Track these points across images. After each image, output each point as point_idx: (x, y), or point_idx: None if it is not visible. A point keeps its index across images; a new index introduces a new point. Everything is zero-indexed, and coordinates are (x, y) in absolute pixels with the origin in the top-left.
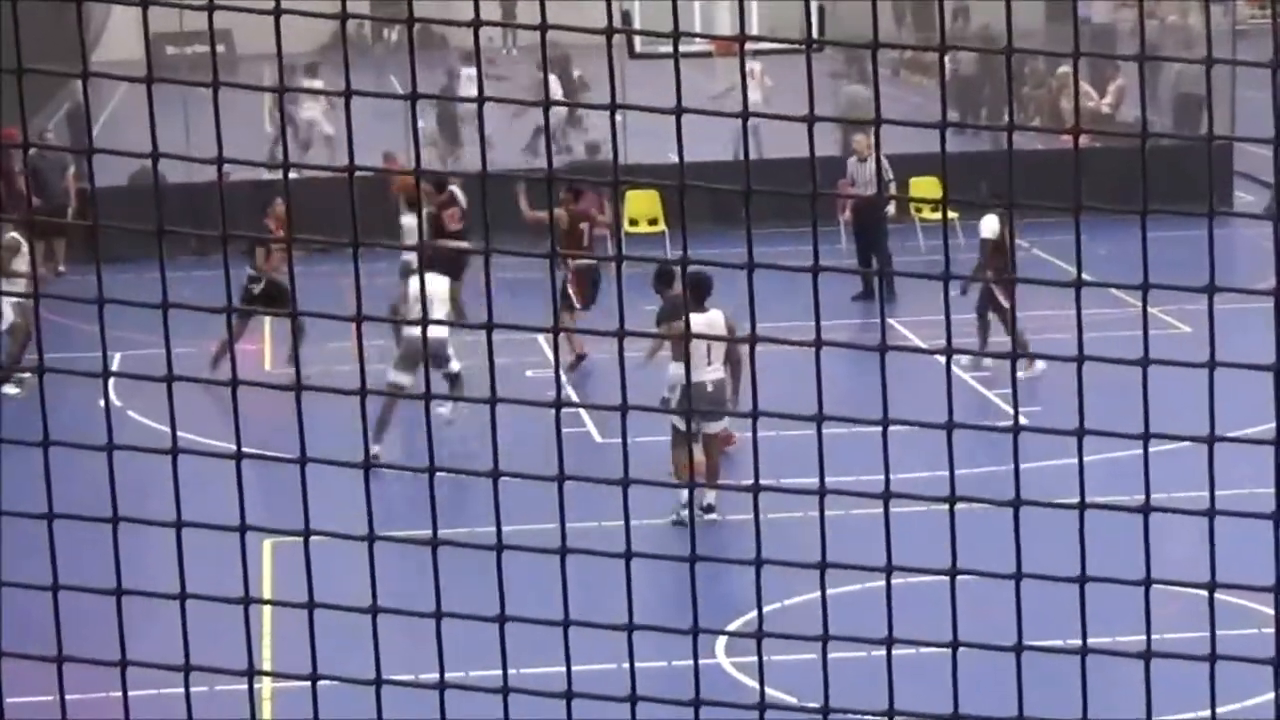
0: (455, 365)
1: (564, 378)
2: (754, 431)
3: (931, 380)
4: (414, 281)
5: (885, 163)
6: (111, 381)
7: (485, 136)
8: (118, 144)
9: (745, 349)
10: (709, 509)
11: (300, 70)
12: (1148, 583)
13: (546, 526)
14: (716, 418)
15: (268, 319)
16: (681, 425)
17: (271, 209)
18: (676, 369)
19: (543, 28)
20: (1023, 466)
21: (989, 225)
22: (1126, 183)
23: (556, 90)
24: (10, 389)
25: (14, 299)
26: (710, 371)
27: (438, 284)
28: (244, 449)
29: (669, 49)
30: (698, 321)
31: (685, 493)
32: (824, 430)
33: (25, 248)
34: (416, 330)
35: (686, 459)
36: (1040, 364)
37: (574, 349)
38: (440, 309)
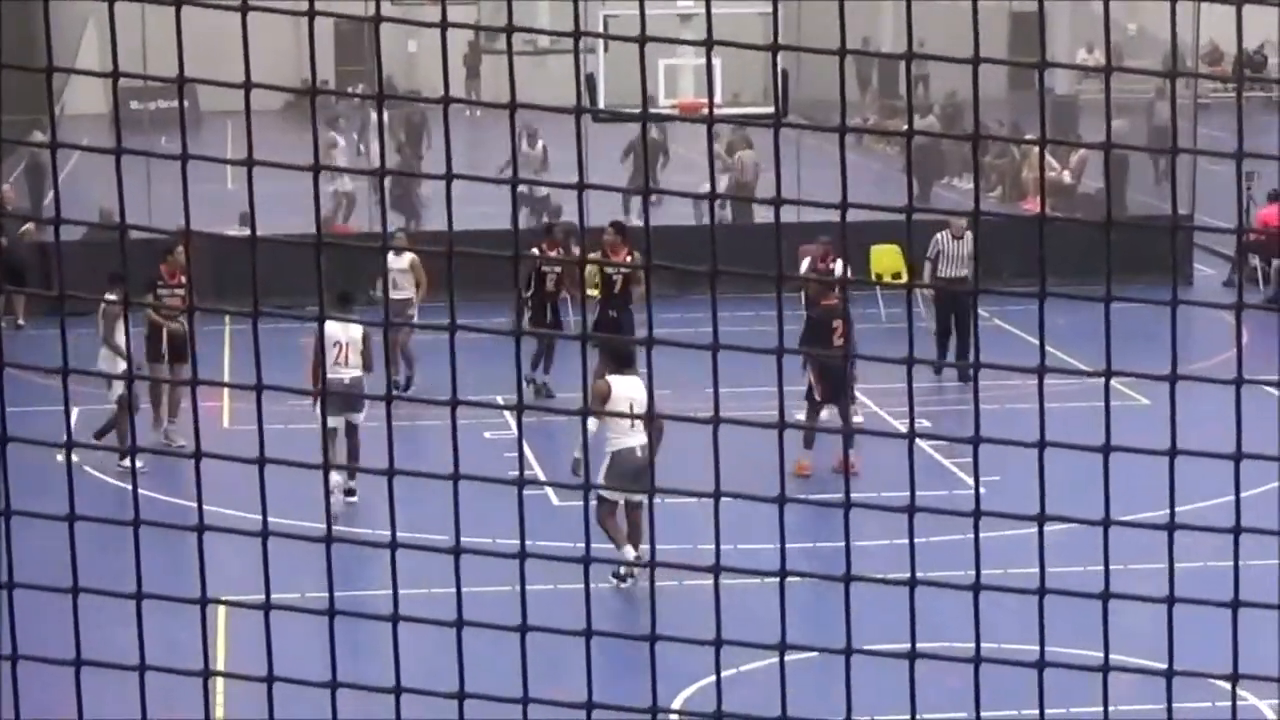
0: (362, 416)
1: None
2: (715, 510)
3: (891, 449)
4: (329, 326)
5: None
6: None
7: (451, 204)
8: (79, 198)
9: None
10: (626, 576)
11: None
12: (1105, 669)
13: (503, 589)
14: (644, 487)
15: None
16: (609, 495)
17: (172, 256)
18: (599, 434)
19: (512, 106)
20: (981, 536)
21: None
22: (1086, 252)
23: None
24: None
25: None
26: (637, 436)
27: (352, 329)
28: (204, 507)
29: (631, 111)
30: (618, 385)
31: (620, 557)
32: (785, 504)
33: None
34: (337, 374)
35: (615, 526)
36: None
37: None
38: (354, 353)
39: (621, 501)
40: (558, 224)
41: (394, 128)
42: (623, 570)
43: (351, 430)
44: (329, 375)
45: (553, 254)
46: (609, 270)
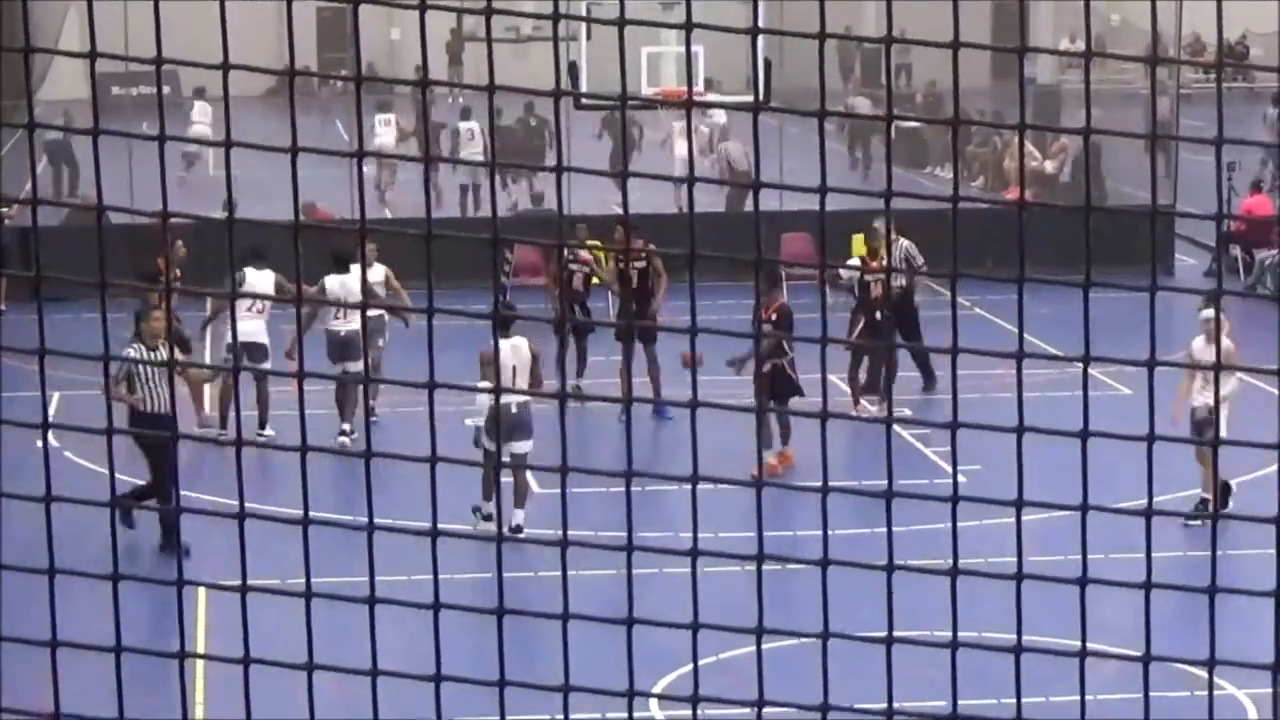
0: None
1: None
2: (693, 494)
3: (871, 438)
4: (328, 282)
5: (911, 247)
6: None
7: (429, 189)
8: (61, 179)
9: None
10: (517, 529)
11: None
12: (1083, 654)
13: (483, 576)
14: (522, 439)
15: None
16: (489, 447)
17: (174, 251)
18: (484, 396)
19: (490, 88)
20: (960, 526)
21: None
22: (1069, 242)
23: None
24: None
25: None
26: (515, 395)
27: (350, 284)
28: (182, 492)
29: (614, 100)
30: (503, 347)
31: (487, 501)
32: (764, 488)
33: None
34: (335, 326)
35: (493, 478)
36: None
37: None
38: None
39: (506, 458)
40: (582, 224)
41: (405, 123)
42: (483, 512)
43: (351, 382)
44: (329, 327)
45: (582, 254)
46: (622, 265)
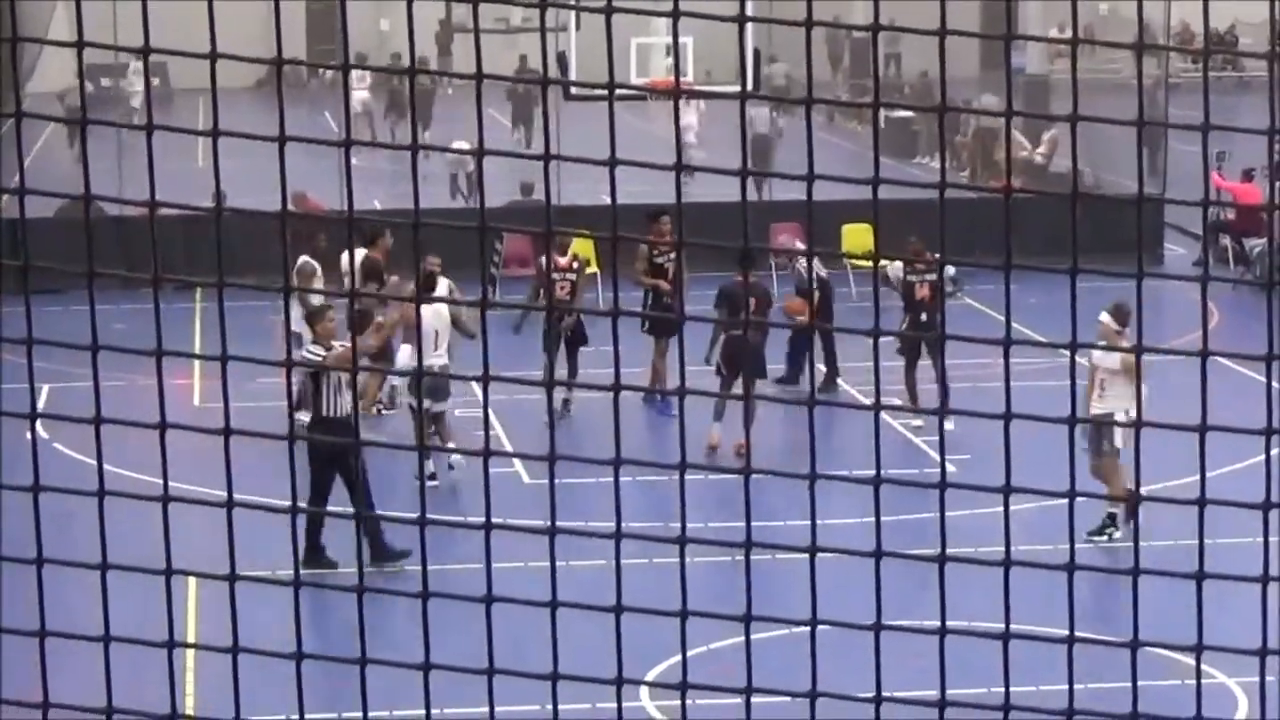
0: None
1: (493, 419)
2: (681, 486)
3: (861, 427)
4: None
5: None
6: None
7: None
8: (50, 174)
9: (476, 332)
10: (433, 477)
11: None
12: (1071, 641)
13: (473, 567)
14: (442, 399)
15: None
16: (412, 403)
17: (381, 241)
18: (406, 354)
19: (478, 76)
20: (949, 514)
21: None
22: (1058, 231)
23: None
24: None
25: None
26: (437, 357)
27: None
28: (170, 484)
29: (604, 92)
30: (425, 312)
31: (428, 461)
32: (754, 476)
33: None
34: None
35: (426, 432)
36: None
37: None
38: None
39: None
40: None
41: (398, 114)
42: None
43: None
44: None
45: (562, 260)
46: (659, 260)
